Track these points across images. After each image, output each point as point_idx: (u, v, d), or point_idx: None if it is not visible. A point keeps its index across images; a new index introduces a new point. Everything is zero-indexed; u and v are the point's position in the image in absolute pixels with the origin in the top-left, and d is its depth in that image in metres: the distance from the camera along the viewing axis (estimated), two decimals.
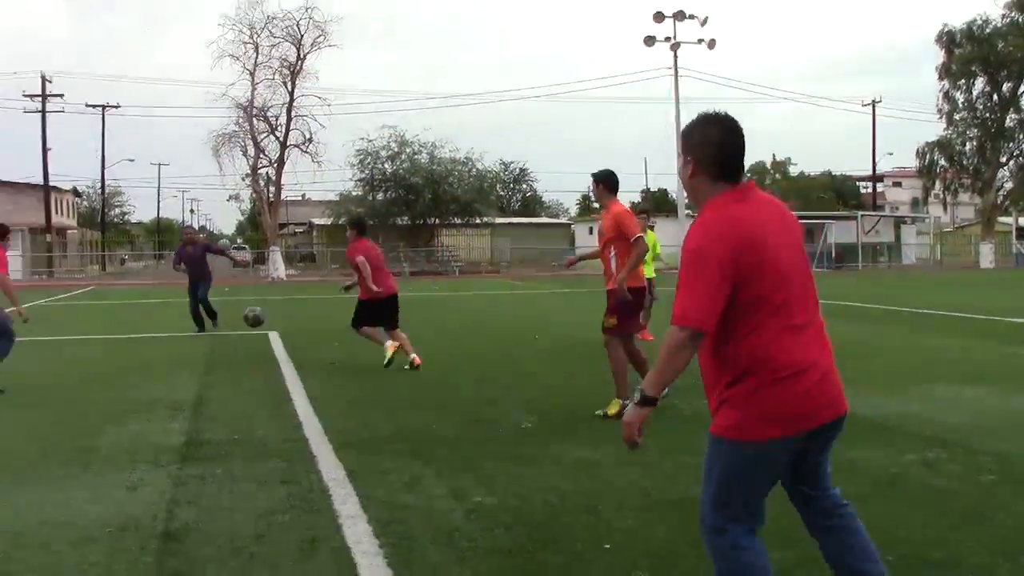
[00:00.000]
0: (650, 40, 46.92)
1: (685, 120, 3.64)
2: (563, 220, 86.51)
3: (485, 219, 61.99)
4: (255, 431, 8.14)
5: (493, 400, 9.48)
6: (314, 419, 8.60)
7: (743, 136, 3.44)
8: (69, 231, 75.76)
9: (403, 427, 8.27)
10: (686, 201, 43.11)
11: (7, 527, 5.42)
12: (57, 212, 66.27)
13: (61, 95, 61.93)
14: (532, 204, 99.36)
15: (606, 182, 8.66)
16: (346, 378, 11.34)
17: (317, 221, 71.90)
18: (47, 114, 59.68)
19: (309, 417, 8.72)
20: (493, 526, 5.33)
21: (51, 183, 61.89)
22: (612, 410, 8.39)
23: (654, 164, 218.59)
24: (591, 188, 9.90)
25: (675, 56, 47.68)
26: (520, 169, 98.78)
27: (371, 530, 5.26)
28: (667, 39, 47.10)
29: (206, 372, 12.04)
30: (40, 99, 59.83)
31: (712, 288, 3.22)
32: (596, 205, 12.11)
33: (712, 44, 46.64)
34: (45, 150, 59.78)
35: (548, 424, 8.28)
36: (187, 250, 17.74)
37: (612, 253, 8.65)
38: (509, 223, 69.83)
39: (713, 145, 3.40)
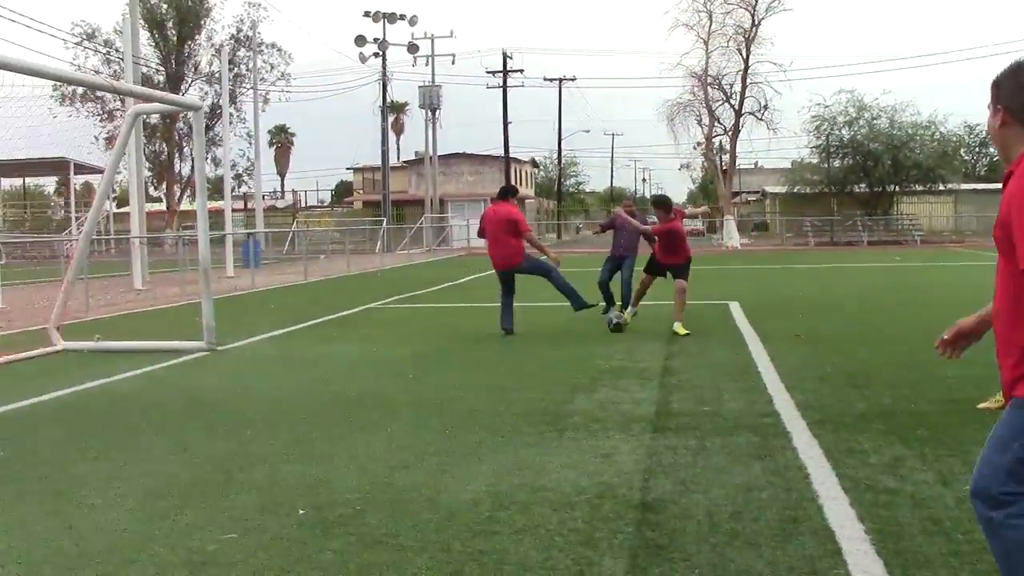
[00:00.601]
0: None
1: None
2: None
3: (949, 186, 58.13)
4: (725, 403, 8.06)
5: (975, 379, 8.73)
6: (784, 393, 8.37)
7: None
8: (527, 200, 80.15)
9: (877, 405, 7.84)
10: None
11: (490, 487, 5.67)
12: (517, 182, 70.25)
13: (521, 70, 65.86)
14: (999, 170, 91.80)
15: None
16: (813, 351, 10.99)
17: (770, 189, 70.95)
18: (508, 89, 63.56)
19: (779, 391, 8.50)
20: None
21: (511, 155, 65.88)
22: None
23: None
24: None
25: None
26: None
27: (854, 514, 4.97)
28: None
29: (669, 341, 12.15)
30: (501, 75, 63.81)
31: None
32: None
33: None
34: (506, 123, 63.81)
35: None
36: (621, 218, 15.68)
37: None
38: (974, 190, 64.92)
39: None
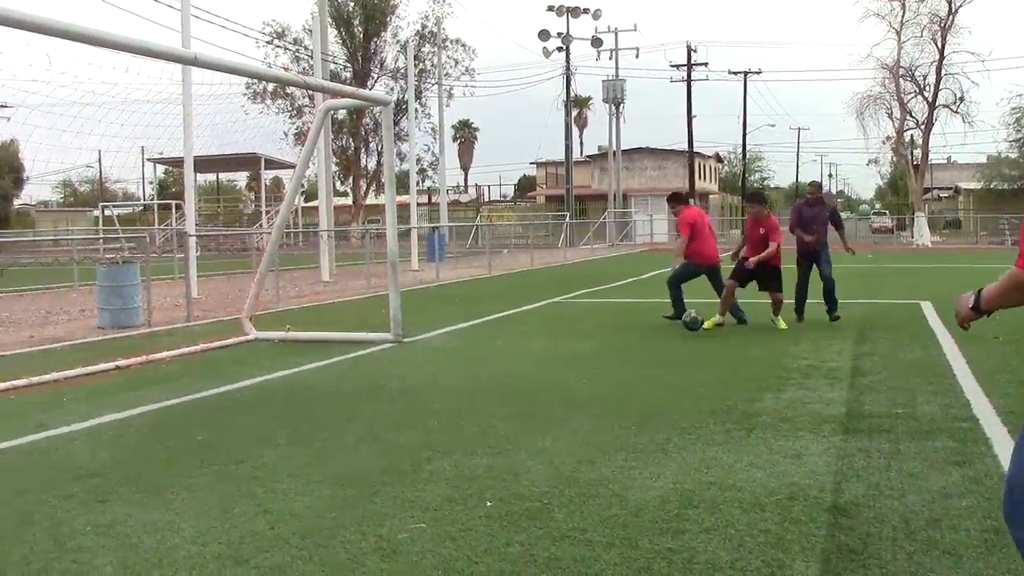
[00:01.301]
0: None
1: None
2: None
3: None
4: (919, 406, 7.78)
5: None
6: (983, 397, 8.02)
7: None
8: (711, 195, 79.12)
9: None
10: None
11: (677, 485, 5.62)
12: (700, 177, 69.44)
13: (705, 64, 64.98)
14: None
15: None
16: (1013, 354, 10.49)
17: (964, 185, 68.08)
18: (692, 82, 62.86)
19: (977, 394, 8.15)
20: None
21: (695, 149, 65.08)
22: None
23: None
24: None
25: None
26: None
27: None
28: None
29: (859, 340, 11.81)
30: (685, 68, 63.16)
31: None
32: None
33: None
34: (690, 117, 63.08)
35: None
36: (808, 210, 14.21)
37: None
38: None
39: None
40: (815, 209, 14.20)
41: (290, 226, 49.24)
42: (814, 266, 13.97)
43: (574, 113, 71.04)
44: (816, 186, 15.12)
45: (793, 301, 13.71)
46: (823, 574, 4.22)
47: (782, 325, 13.10)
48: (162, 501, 5.48)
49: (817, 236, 14.00)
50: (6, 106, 54.23)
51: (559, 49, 58.08)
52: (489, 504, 5.30)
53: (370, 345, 12.19)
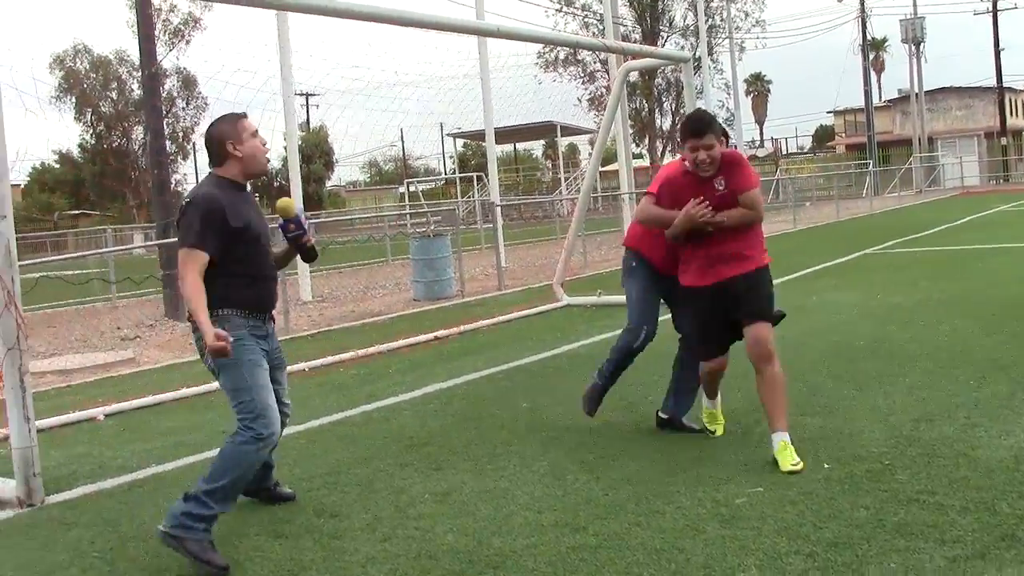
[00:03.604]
0: None
1: None
2: None
3: None
4: None
5: None
6: None
7: None
8: None
9: None
10: None
11: None
12: (1011, 114, 64.39)
13: None
14: None
15: None
16: None
17: None
18: (998, 13, 58.39)
19: None
20: None
21: (1004, 84, 60.45)
22: None
23: None
24: None
25: None
26: None
27: None
28: None
29: None
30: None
31: None
32: None
33: None
34: (997, 50, 58.61)
35: None
36: None
37: None
38: None
39: None
40: None
41: (593, 190, 49.76)
42: None
43: (871, 57, 67.66)
44: None
45: None
46: None
47: None
48: (494, 468, 5.58)
49: None
50: (314, 94, 57.68)
51: None
52: (827, 466, 5.07)
53: None
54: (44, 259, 16.84)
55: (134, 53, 40.40)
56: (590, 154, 63.15)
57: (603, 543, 4.27)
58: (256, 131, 4.78)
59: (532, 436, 6.27)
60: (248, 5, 7.82)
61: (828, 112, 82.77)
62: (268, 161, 4.86)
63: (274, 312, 4.91)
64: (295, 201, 4.21)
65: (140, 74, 17.60)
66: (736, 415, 6.27)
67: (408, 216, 34.20)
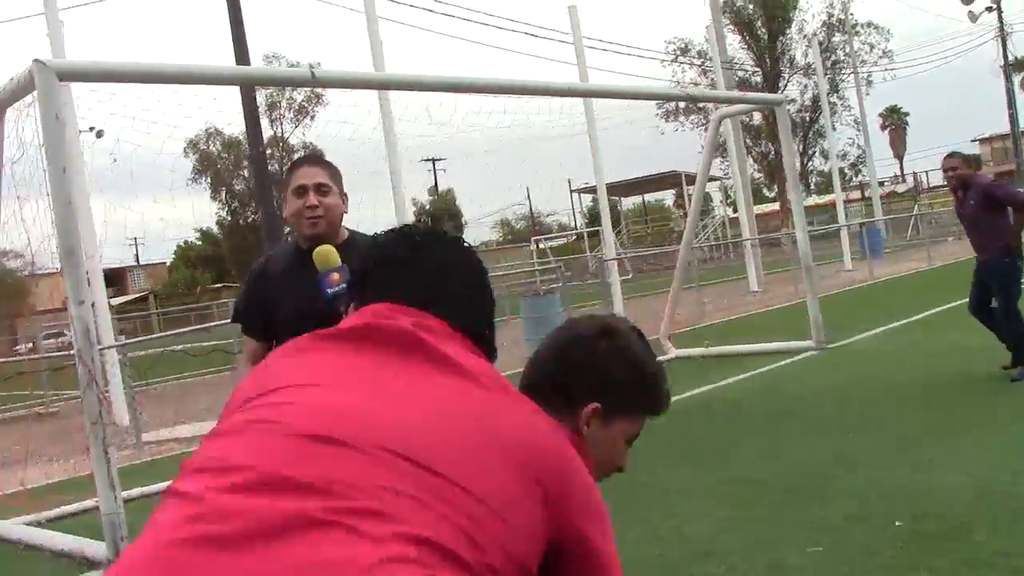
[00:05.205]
0: None
1: None
2: None
3: None
4: None
5: None
6: None
7: None
8: None
9: None
10: None
11: None
12: None
13: None
14: None
15: None
16: None
17: None
18: None
19: None
20: None
21: None
22: None
23: None
24: None
25: None
26: None
27: None
28: None
29: None
30: None
31: None
32: None
33: None
34: None
35: None
36: None
37: None
38: None
39: None
40: None
41: (719, 238, 49.18)
42: None
43: (1016, 79, 65.36)
44: None
45: None
46: None
47: None
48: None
49: None
50: (440, 159, 58.77)
51: (988, 10, 53.53)
52: (898, 524, 4.78)
53: (791, 354, 11.67)
54: (160, 335, 17.37)
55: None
56: (721, 201, 62.94)
57: None
58: (303, 186, 3.56)
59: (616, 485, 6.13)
60: (356, 88, 8.15)
61: (972, 140, 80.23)
62: (314, 225, 3.54)
63: None
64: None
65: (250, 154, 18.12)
66: (812, 467, 6.01)
67: (537, 273, 34.30)
